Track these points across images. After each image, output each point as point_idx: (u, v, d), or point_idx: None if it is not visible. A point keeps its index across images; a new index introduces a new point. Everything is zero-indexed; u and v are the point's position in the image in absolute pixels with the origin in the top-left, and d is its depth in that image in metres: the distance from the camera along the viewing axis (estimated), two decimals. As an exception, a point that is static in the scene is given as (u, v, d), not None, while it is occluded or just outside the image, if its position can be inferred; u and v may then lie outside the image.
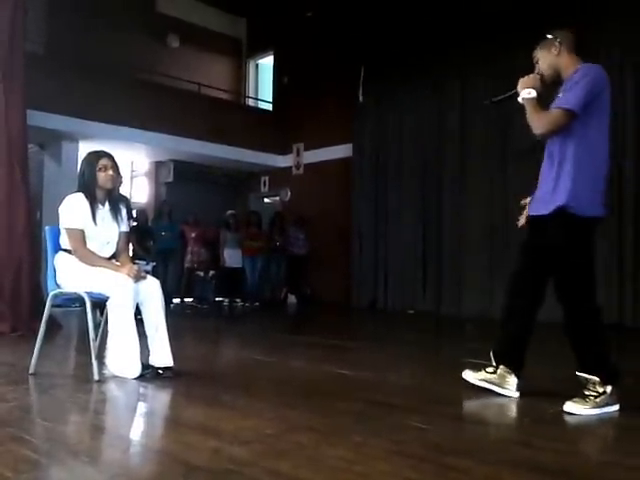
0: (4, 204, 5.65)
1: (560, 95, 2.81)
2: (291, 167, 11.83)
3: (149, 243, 9.16)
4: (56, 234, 3.53)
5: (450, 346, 5.75)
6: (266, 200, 12.75)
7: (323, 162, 11.12)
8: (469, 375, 3.14)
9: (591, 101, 2.70)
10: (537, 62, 2.96)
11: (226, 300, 10.24)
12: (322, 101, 10.84)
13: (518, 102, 2.92)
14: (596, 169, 2.78)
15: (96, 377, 3.23)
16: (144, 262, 7.40)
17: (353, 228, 10.34)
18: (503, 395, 2.97)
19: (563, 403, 2.72)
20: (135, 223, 8.61)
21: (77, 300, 3.50)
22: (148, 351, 3.42)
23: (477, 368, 3.14)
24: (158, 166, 11.93)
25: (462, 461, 2.01)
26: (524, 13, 7.90)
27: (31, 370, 3.40)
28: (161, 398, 3.13)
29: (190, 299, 10.31)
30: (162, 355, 3.42)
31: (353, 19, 10.08)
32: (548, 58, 2.90)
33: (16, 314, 5.48)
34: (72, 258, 3.42)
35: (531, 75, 2.92)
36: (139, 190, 12.41)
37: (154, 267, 8.26)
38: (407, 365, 4.31)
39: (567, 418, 2.66)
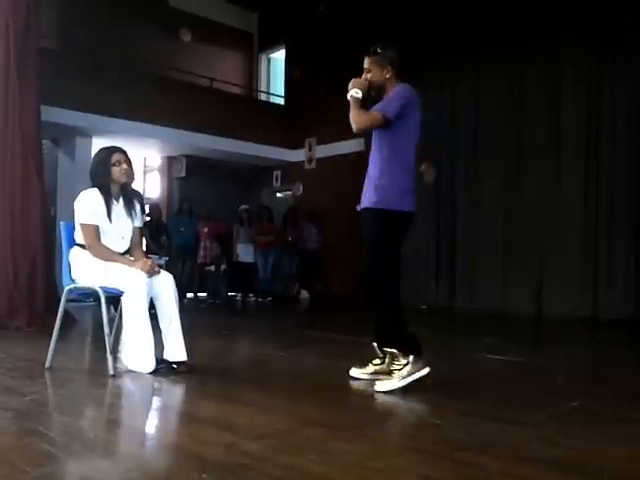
0: (19, 200, 5.70)
1: (380, 104, 3.19)
2: (303, 161, 11.81)
3: (162, 238, 9.23)
4: (71, 229, 3.55)
5: (464, 341, 5.73)
6: (278, 195, 12.75)
7: (335, 156, 11.08)
8: (355, 372, 3.35)
9: (404, 115, 3.11)
10: (368, 71, 3.28)
11: (239, 295, 10.27)
12: (334, 95, 10.77)
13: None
14: (403, 171, 3.16)
15: (111, 372, 3.25)
16: (157, 257, 7.45)
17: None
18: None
19: (581, 399, 2.70)
20: (148, 218, 8.67)
21: (92, 295, 3.54)
22: (162, 346, 3.44)
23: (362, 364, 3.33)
24: (170, 161, 11.97)
25: (477, 457, 2.00)
26: (538, 10, 7.84)
27: (47, 365, 3.43)
28: (175, 393, 3.15)
29: (203, 294, 10.36)
30: (176, 350, 3.43)
31: (365, 13, 10.03)
32: (379, 76, 3.25)
33: (31, 309, 5.54)
34: (86, 253, 3.44)
35: (361, 79, 3.28)
36: (152, 185, 12.46)
37: (169, 262, 8.32)
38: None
39: (585, 415, 2.65)
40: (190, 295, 9.86)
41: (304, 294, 10.59)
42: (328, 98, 10.90)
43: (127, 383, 3.23)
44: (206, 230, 10.04)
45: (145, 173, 12.51)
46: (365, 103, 3.21)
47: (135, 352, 3.35)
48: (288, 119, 11.79)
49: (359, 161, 10.39)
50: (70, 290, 3.48)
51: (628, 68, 7.39)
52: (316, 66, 11.25)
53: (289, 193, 12.27)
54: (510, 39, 8.13)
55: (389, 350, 3.16)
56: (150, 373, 3.30)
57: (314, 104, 11.25)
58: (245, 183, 12.52)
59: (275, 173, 12.41)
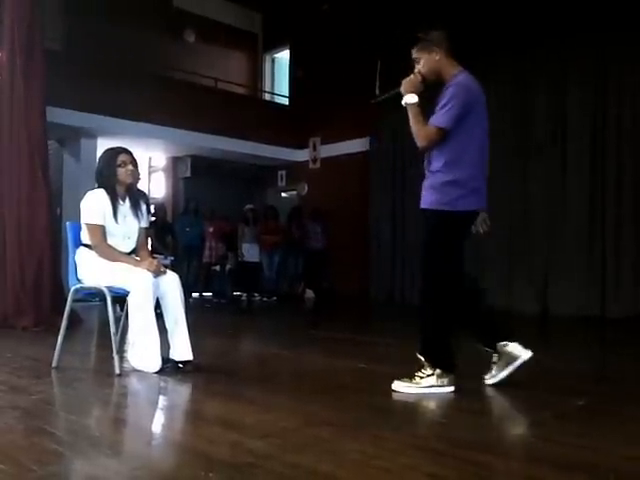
0: (25, 200, 5.73)
1: (437, 109, 2.96)
2: (308, 161, 11.82)
3: (168, 238, 9.24)
4: (77, 230, 3.57)
5: (468, 339, 5.71)
6: (283, 194, 12.76)
7: (340, 156, 11.09)
8: (488, 378, 3.12)
9: (464, 115, 2.91)
10: (418, 62, 3.06)
11: (244, 295, 10.28)
12: (339, 95, 10.80)
13: (403, 104, 3.03)
14: (467, 168, 2.96)
15: (117, 371, 3.27)
16: (162, 257, 7.46)
17: (370, 222, 10.32)
18: (524, 362, 2.95)
19: (587, 398, 2.69)
20: (154, 218, 8.68)
21: (98, 295, 3.54)
22: (168, 345, 3.44)
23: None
24: (176, 161, 12.00)
25: (482, 456, 2.00)
26: (543, 11, 7.83)
27: (54, 364, 3.44)
28: (181, 392, 3.15)
29: (209, 294, 10.37)
30: (182, 349, 3.44)
31: (369, 12, 10.02)
32: (429, 62, 3.01)
33: (38, 309, 5.56)
34: (93, 253, 3.45)
35: (413, 77, 3.03)
36: (157, 186, 12.49)
37: (175, 262, 8.33)
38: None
39: (591, 414, 2.64)
40: (195, 295, 9.87)
41: (309, 293, 10.58)
42: (332, 98, 10.93)
43: (133, 382, 3.24)
44: (211, 230, 10.06)
45: (150, 173, 12.54)
46: (422, 103, 2.99)
47: (141, 351, 3.36)
48: (292, 119, 11.80)
49: (364, 160, 10.46)
50: (76, 290, 3.49)
51: (634, 67, 7.37)
52: (320, 66, 11.26)
53: (294, 193, 12.28)
54: (515, 41, 8.10)
55: (419, 357, 3.00)
56: (156, 372, 3.31)
57: (318, 104, 11.26)
58: (250, 183, 12.54)
59: (280, 173, 12.42)
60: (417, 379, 2.94)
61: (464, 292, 3.10)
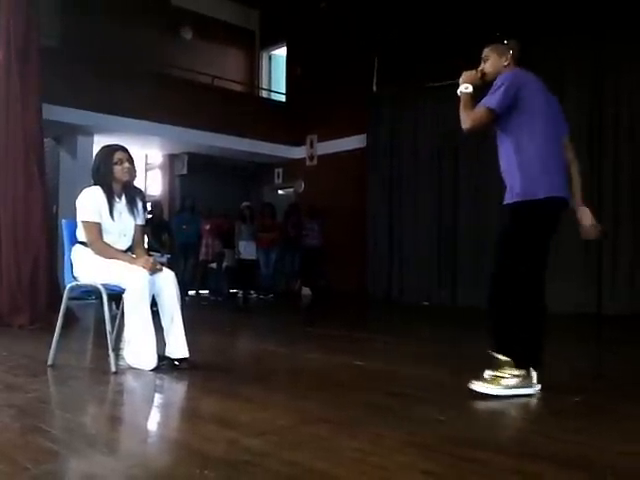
0: (21, 198, 5.71)
1: (486, 95, 2.94)
2: (305, 158, 11.81)
3: (164, 236, 9.22)
4: (72, 227, 3.56)
5: (466, 337, 5.72)
6: (280, 192, 12.75)
7: (337, 153, 11.09)
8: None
9: (514, 100, 2.85)
10: (486, 60, 3.06)
11: (240, 292, 10.28)
12: (336, 92, 10.79)
13: (456, 92, 3.03)
14: (537, 156, 2.85)
15: (113, 369, 3.26)
16: (159, 255, 7.44)
17: (367, 219, 10.32)
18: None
19: (584, 395, 2.70)
20: (150, 216, 8.66)
21: (94, 292, 3.54)
22: (164, 343, 3.44)
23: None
24: (172, 159, 11.97)
25: (479, 452, 2.00)
26: (539, 9, 7.83)
27: (49, 362, 3.43)
28: (177, 389, 3.15)
29: (205, 291, 10.36)
30: (178, 346, 3.44)
31: (366, 9, 10.01)
32: (497, 64, 3.02)
33: (34, 307, 5.55)
34: (88, 251, 3.44)
35: (473, 71, 3.05)
36: (153, 183, 12.47)
37: (172, 259, 8.32)
38: (423, 356, 4.30)
39: (588, 410, 2.64)
40: (192, 292, 9.86)
41: (306, 291, 10.58)
42: (329, 95, 10.92)
43: (129, 380, 3.23)
44: (208, 227, 10.05)
45: (147, 171, 12.51)
46: (476, 97, 2.96)
47: (137, 349, 3.36)
48: (289, 116, 11.79)
49: (360, 158, 10.46)
50: (72, 288, 3.48)
51: (630, 65, 7.38)
52: (317, 63, 11.25)
53: (291, 190, 12.27)
54: (512, 37, 8.10)
55: (501, 357, 2.81)
56: (152, 370, 3.31)
57: (315, 101, 11.25)
58: (246, 180, 12.53)
59: (277, 170, 12.41)
60: (502, 380, 2.78)
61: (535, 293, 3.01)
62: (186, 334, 3.46)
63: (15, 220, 5.66)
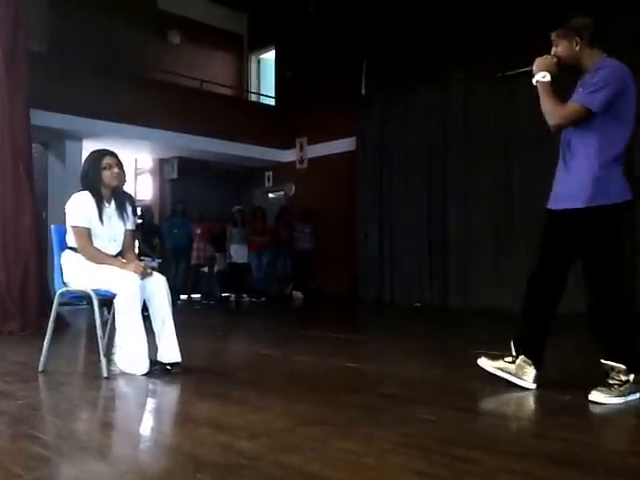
0: (10, 204, 5.67)
1: (581, 90, 2.78)
2: (295, 162, 11.81)
3: (155, 240, 9.20)
4: (62, 233, 3.54)
5: (458, 338, 5.74)
6: (270, 195, 12.74)
7: (327, 156, 11.09)
8: (485, 362, 3.05)
9: (615, 101, 2.71)
10: (556, 45, 2.89)
11: (233, 296, 10.26)
12: (325, 95, 10.81)
13: (531, 81, 2.88)
14: (612, 162, 2.77)
15: (105, 374, 3.24)
16: (149, 259, 7.43)
17: (358, 221, 10.33)
18: (519, 386, 2.93)
19: (575, 393, 2.71)
20: (140, 220, 8.64)
21: (84, 298, 3.52)
22: (156, 347, 3.43)
23: (494, 357, 3.10)
24: (162, 163, 11.94)
25: (472, 453, 2.01)
26: (529, 8, 7.87)
27: (40, 368, 3.41)
28: (170, 394, 3.14)
29: (197, 295, 10.34)
30: (170, 351, 3.43)
31: (354, 13, 10.04)
32: (568, 50, 2.85)
33: (24, 313, 5.51)
34: (78, 256, 3.43)
35: (548, 57, 2.87)
36: (143, 187, 12.43)
37: (164, 264, 8.31)
38: (415, 357, 4.31)
39: (579, 408, 2.66)
40: (184, 297, 9.84)
41: (297, 294, 10.57)
42: (318, 98, 10.94)
43: (121, 385, 3.22)
44: (199, 231, 10.04)
45: (136, 175, 12.47)
46: (555, 83, 2.79)
47: (129, 354, 3.35)
48: (279, 119, 11.79)
49: (351, 160, 10.48)
50: (62, 293, 3.46)
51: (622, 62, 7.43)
52: (306, 66, 11.26)
53: (281, 193, 12.27)
54: (501, 37, 8.13)
55: (613, 364, 2.74)
56: (144, 375, 3.29)
57: (305, 104, 11.26)
58: (237, 184, 12.51)
59: (267, 174, 12.40)
60: (616, 388, 2.70)
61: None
62: (178, 338, 3.46)
63: (4, 226, 5.63)
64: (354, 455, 1.99)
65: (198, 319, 7.60)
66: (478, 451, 2.02)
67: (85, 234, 3.42)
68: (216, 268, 10.48)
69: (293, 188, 11.87)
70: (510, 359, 3.00)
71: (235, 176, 12.43)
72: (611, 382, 2.71)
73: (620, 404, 2.66)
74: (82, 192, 3.48)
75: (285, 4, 11.22)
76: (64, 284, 3.47)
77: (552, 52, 2.89)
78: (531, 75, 2.88)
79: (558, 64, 2.85)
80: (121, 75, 9.68)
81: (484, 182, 8.58)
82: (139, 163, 12.43)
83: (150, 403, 2.96)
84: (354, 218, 10.35)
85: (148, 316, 3.46)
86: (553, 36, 2.91)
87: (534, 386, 2.92)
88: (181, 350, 3.44)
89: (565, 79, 2.92)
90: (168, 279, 3.61)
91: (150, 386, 3.15)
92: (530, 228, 8.07)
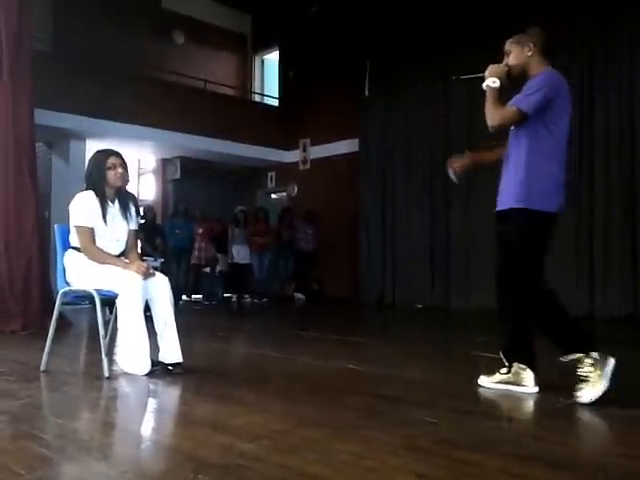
0: (13, 203, 5.69)
1: (519, 94, 2.90)
2: (298, 162, 11.82)
3: (157, 240, 9.21)
4: (65, 232, 3.55)
5: (459, 340, 5.74)
6: (273, 196, 12.75)
7: (330, 157, 11.10)
8: (485, 380, 3.11)
9: (546, 106, 2.83)
10: (508, 54, 3.03)
11: (234, 296, 10.27)
12: (328, 96, 10.82)
13: (481, 86, 3.01)
14: (549, 168, 2.87)
15: (106, 374, 3.25)
16: (152, 259, 7.44)
17: (360, 223, 10.33)
18: (523, 392, 2.94)
19: (573, 397, 2.71)
20: (143, 220, 8.65)
21: (87, 298, 3.53)
22: (157, 348, 3.43)
23: (491, 372, 3.11)
24: (165, 163, 11.96)
25: (472, 455, 2.01)
26: (531, 7, 7.87)
27: (42, 368, 3.42)
28: (171, 394, 3.14)
29: (199, 296, 10.35)
30: (171, 351, 3.43)
31: (358, 13, 10.04)
32: (521, 56, 2.98)
33: (27, 312, 5.52)
34: (81, 256, 3.44)
35: (500, 65, 3.01)
36: (146, 187, 12.45)
37: (165, 264, 8.31)
38: (416, 359, 4.31)
39: (579, 411, 2.66)
40: (186, 297, 9.85)
41: (299, 296, 10.56)
42: (322, 99, 10.95)
43: (122, 385, 3.22)
44: (200, 231, 10.04)
45: (139, 175, 12.49)
46: (502, 92, 2.93)
47: (130, 354, 3.35)
48: (282, 120, 11.80)
49: (353, 161, 10.48)
50: (65, 293, 3.47)
51: (619, 66, 7.44)
52: (310, 67, 11.27)
53: (284, 194, 12.28)
54: (504, 38, 8.14)
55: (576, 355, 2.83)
56: (145, 375, 3.30)
57: (308, 105, 11.27)
58: (239, 184, 12.52)
59: (270, 174, 12.41)
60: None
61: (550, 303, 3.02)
62: (180, 339, 3.46)
63: (7, 225, 5.64)
64: (355, 457, 1.99)
65: (199, 320, 7.61)
66: (479, 453, 2.02)
67: (88, 234, 3.42)
68: (218, 268, 10.48)
69: (296, 189, 11.88)
70: (505, 370, 3.04)
71: (238, 176, 12.44)
72: (581, 376, 2.79)
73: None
74: (86, 192, 3.49)
75: (289, 5, 11.24)
76: (67, 284, 3.48)
77: (504, 62, 3.03)
78: (483, 80, 3.01)
79: (508, 74, 2.99)
80: (125, 75, 9.70)
81: (487, 184, 8.55)
82: (142, 163, 12.45)
83: (151, 403, 2.96)
84: (356, 219, 10.36)
85: (150, 316, 3.47)
86: (507, 45, 3.05)
87: (536, 389, 2.93)
88: (182, 351, 3.45)
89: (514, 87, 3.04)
90: (170, 279, 3.62)
91: (151, 386, 3.16)
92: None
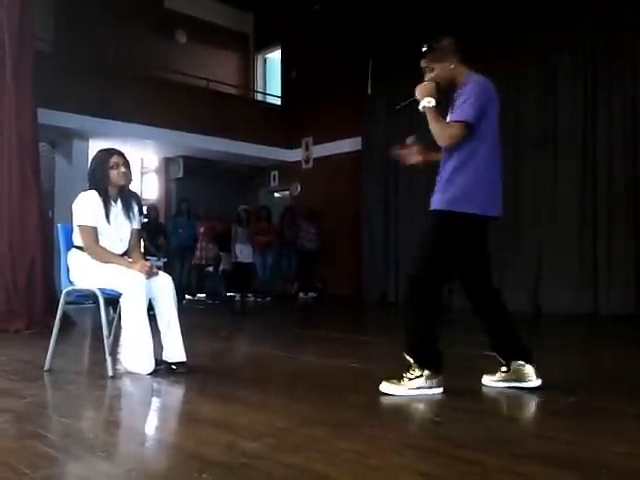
0: (17, 203, 5.70)
1: (456, 108, 2.91)
2: (300, 161, 11.82)
3: (160, 240, 9.23)
4: (68, 232, 3.56)
5: (462, 339, 5.73)
6: (276, 194, 12.76)
7: (332, 156, 11.10)
8: (487, 380, 3.11)
9: (482, 113, 2.86)
10: (430, 71, 3.02)
11: (237, 295, 10.28)
12: (331, 94, 10.81)
13: (419, 109, 2.99)
14: (480, 170, 2.90)
15: (110, 373, 3.26)
16: (155, 258, 7.45)
17: (363, 221, 10.33)
18: (528, 387, 2.94)
19: (578, 395, 2.71)
20: (146, 220, 8.66)
21: (90, 297, 3.53)
22: (161, 347, 3.44)
23: (493, 371, 3.11)
24: (168, 162, 11.97)
25: (475, 454, 2.01)
26: (533, 10, 7.87)
27: (46, 367, 3.43)
28: (175, 393, 3.15)
29: (202, 295, 10.36)
30: (175, 350, 3.44)
31: (360, 11, 10.03)
32: (444, 70, 2.98)
33: (30, 312, 5.54)
34: (85, 255, 3.44)
35: (427, 83, 3.00)
36: (149, 186, 12.46)
37: (168, 263, 8.32)
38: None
39: (582, 410, 2.66)
40: (189, 296, 9.86)
41: (309, 294, 10.53)
42: (324, 97, 10.94)
43: (126, 384, 3.23)
44: (203, 230, 10.05)
45: (142, 174, 12.51)
46: (438, 106, 2.93)
47: (134, 353, 3.36)
48: (285, 119, 11.80)
49: (356, 160, 10.47)
50: (68, 292, 3.48)
51: (623, 63, 7.42)
52: (312, 66, 11.26)
53: (286, 193, 12.28)
54: (505, 39, 8.13)
55: (407, 357, 2.94)
56: (149, 374, 3.31)
57: (310, 104, 11.26)
58: (242, 183, 12.53)
59: (272, 173, 12.42)
60: (405, 380, 2.89)
61: (494, 303, 3.13)
62: (183, 338, 3.47)
63: (11, 224, 5.66)
64: (358, 455, 1.99)
65: (203, 319, 7.61)
66: (482, 452, 2.02)
67: (92, 233, 3.43)
68: (221, 267, 10.50)
69: (298, 187, 11.88)
70: (504, 368, 3.05)
71: (241, 175, 12.45)
72: (404, 375, 2.89)
73: (406, 396, 2.82)
74: (89, 191, 3.49)
75: (291, 3, 11.23)
76: (70, 283, 3.49)
77: (426, 79, 3.02)
78: (417, 102, 2.99)
79: (437, 88, 2.98)
80: (127, 74, 9.71)
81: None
82: (145, 162, 12.46)
83: (155, 402, 2.97)
84: (359, 218, 10.35)
85: (154, 315, 3.47)
86: (424, 63, 3.04)
87: (540, 381, 2.94)
88: (186, 350, 3.45)
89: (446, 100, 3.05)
90: (173, 278, 3.62)
91: (155, 385, 3.16)
92: (534, 228, 8.09)
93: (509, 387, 3.00)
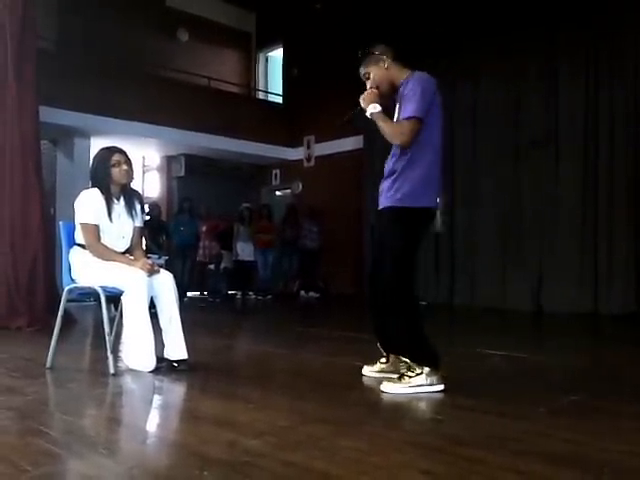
0: (18, 201, 5.71)
1: (403, 107, 2.95)
2: (302, 159, 11.82)
3: (162, 238, 9.23)
4: (70, 229, 3.56)
5: (463, 337, 5.73)
6: (278, 193, 12.76)
7: (334, 154, 11.09)
8: (367, 370, 3.28)
9: (428, 105, 2.91)
10: (368, 78, 3.10)
11: (239, 293, 10.28)
12: (332, 93, 10.79)
13: (369, 117, 3.06)
14: (427, 164, 2.95)
15: (112, 371, 3.26)
16: (156, 256, 7.46)
17: (365, 220, 10.32)
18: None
19: (580, 393, 2.71)
20: (148, 218, 8.67)
21: (92, 295, 3.55)
22: (163, 344, 3.44)
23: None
24: (169, 160, 11.98)
25: (477, 452, 2.01)
26: (536, 9, 7.86)
27: (48, 364, 3.44)
28: (176, 391, 3.15)
29: (204, 293, 10.37)
30: (177, 348, 3.44)
31: (362, 10, 10.02)
32: (380, 73, 3.06)
33: (32, 309, 5.55)
34: (86, 253, 3.45)
35: (368, 91, 3.07)
36: (151, 185, 12.47)
37: (170, 261, 8.33)
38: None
39: (584, 408, 2.66)
40: (190, 294, 9.87)
41: (311, 294, 10.53)
42: (326, 96, 10.93)
43: (128, 382, 3.24)
44: (204, 228, 10.06)
45: (144, 172, 12.52)
46: (386, 109, 2.98)
47: (136, 351, 3.36)
48: (286, 117, 11.80)
49: (358, 158, 10.47)
50: (70, 290, 3.48)
51: (625, 64, 7.41)
52: (314, 64, 11.26)
53: (288, 191, 12.28)
54: (507, 38, 8.12)
55: (403, 359, 2.98)
56: (151, 372, 3.31)
57: (312, 102, 11.26)
58: (244, 182, 12.54)
59: (274, 171, 12.42)
60: (406, 379, 2.89)
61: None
62: (185, 335, 3.47)
63: (13, 223, 5.67)
64: (359, 453, 1.99)
65: (204, 316, 7.62)
66: (483, 450, 2.02)
67: (94, 231, 3.43)
68: (222, 265, 10.50)
69: (300, 186, 11.88)
70: (384, 360, 3.24)
71: (242, 174, 12.45)
72: (403, 372, 2.91)
73: (407, 395, 2.81)
74: (91, 189, 3.50)
75: (293, 2, 11.21)
76: (72, 280, 3.49)
77: (368, 85, 3.09)
78: (363, 111, 3.07)
79: (379, 93, 3.04)
80: (129, 73, 9.72)
81: (490, 181, 8.56)
82: (147, 160, 12.47)
83: (156, 400, 2.97)
84: (361, 216, 10.35)
85: (155, 313, 3.48)
86: (362, 70, 3.13)
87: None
88: (187, 347, 3.45)
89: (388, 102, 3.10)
90: (175, 276, 3.63)
91: (157, 383, 3.17)
92: (535, 228, 8.09)
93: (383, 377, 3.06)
